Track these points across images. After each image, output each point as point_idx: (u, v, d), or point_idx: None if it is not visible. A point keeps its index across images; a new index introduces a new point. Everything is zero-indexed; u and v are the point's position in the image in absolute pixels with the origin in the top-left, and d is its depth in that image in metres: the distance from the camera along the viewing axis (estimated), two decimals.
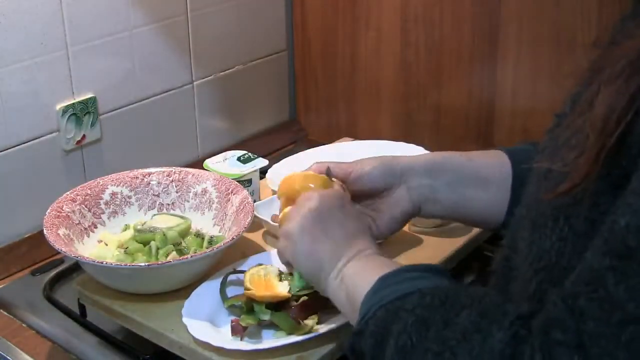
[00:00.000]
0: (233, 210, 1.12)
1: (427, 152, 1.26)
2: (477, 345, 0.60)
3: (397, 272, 0.74)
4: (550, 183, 0.68)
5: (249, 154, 1.28)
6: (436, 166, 0.95)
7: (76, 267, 1.17)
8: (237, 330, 0.92)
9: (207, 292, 0.99)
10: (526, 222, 0.71)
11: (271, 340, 0.92)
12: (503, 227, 0.88)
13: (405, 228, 1.18)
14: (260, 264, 1.01)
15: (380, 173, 0.95)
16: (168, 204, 1.19)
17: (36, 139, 1.25)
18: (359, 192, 0.95)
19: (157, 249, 1.07)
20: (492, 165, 0.95)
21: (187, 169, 1.21)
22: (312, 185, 0.92)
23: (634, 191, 0.55)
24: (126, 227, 1.15)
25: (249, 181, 1.23)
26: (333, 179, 0.96)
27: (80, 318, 1.10)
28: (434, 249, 1.13)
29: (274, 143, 1.65)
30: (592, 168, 0.61)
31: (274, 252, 1.01)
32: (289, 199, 0.93)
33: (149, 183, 1.19)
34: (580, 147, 0.63)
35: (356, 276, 0.79)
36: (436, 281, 0.73)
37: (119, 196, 1.17)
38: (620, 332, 0.52)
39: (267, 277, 0.97)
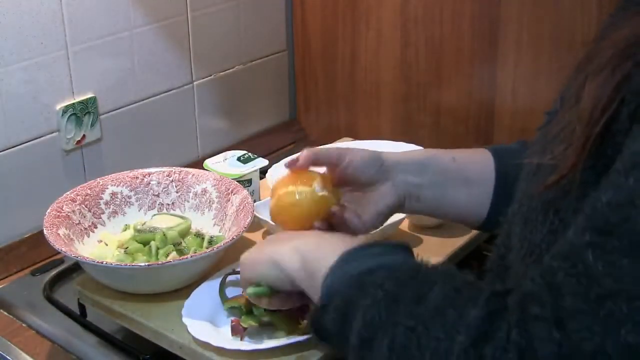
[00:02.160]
0: (233, 210, 1.12)
1: (416, 148, 1.26)
2: (451, 319, 0.59)
3: (362, 247, 0.72)
4: (540, 177, 0.68)
5: (249, 154, 1.28)
6: (422, 164, 0.95)
7: (76, 267, 1.17)
8: (237, 330, 0.92)
9: (207, 292, 0.99)
10: (518, 218, 0.71)
11: (271, 340, 0.92)
12: (491, 227, 0.88)
13: (405, 228, 1.18)
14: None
15: (369, 167, 0.94)
16: (168, 204, 1.19)
17: (36, 139, 1.25)
18: (343, 181, 0.95)
19: (157, 249, 1.07)
20: (475, 164, 0.95)
21: (187, 169, 1.21)
22: (297, 197, 0.90)
23: (617, 170, 0.55)
24: (126, 227, 1.15)
25: (249, 181, 1.23)
26: (313, 170, 0.94)
27: (80, 318, 1.10)
28: (434, 249, 1.13)
29: (274, 143, 1.65)
30: (578, 158, 0.61)
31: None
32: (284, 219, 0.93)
33: (149, 183, 1.19)
34: (568, 140, 0.64)
35: (315, 252, 0.77)
36: (402, 257, 0.72)
37: (119, 196, 1.17)
38: (598, 307, 0.52)
39: None
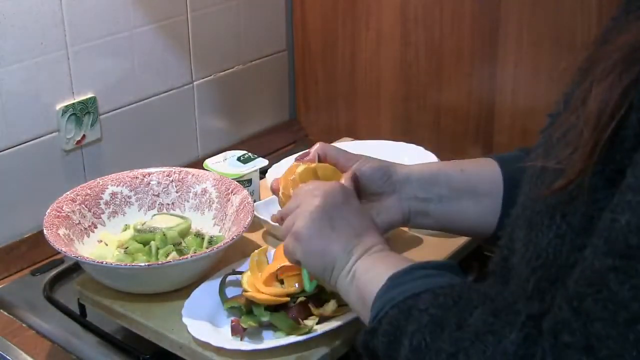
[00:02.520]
0: (233, 210, 1.12)
1: (416, 147, 1.25)
2: (490, 346, 0.60)
3: (408, 270, 0.74)
4: (545, 181, 0.68)
5: (249, 154, 1.28)
6: (430, 179, 0.95)
7: (76, 267, 1.17)
8: (237, 330, 0.92)
9: (207, 292, 0.99)
10: (522, 222, 0.71)
11: (271, 340, 0.92)
12: (498, 229, 0.88)
13: (405, 228, 1.18)
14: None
15: (377, 178, 0.94)
16: (168, 204, 1.19)
17: (36, 139, 1.25)
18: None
19: (157, 249, 1.07)
20: (483, 174, 0.95)
21: (187, 169, 1.21)
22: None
23: (631, 187, 0.56)
24: (126, 227, 1.15)
25: (249, 181, 1.23)
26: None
27: (80, 318, 1.10)
28: (434, 249, 1.13)
29: (274, 143, 1.65)
30: (586, 164, 0.61)
31: (272, 252, 1.01)
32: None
33: (149, 183, 1.19)
34: (574, 144, 0.64)
35: (367, 273, 0.78)
36: (447, 279, 0.72)
37: (119, 196, 1.17)
38: (628, 332, 0.52)
39: (263, 274, 0.97)
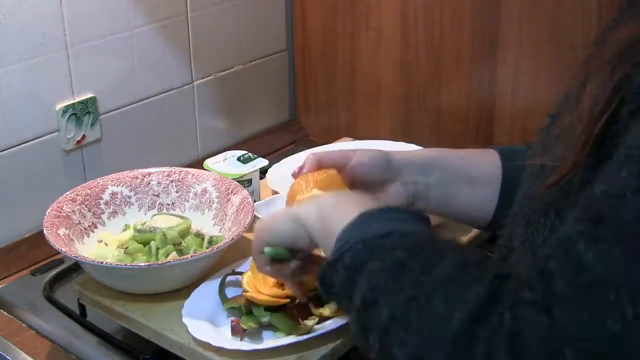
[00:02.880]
0: (233, 210, 1.12)
1: (417, 148, 1.26)
2: (452, 295, 0.59)
3: (380, 210, 0.71)
4: (543, 179, 0.68)
5: (249, 154, 1.28)
6: (429, 163, 0.95)
7: (76, 267, 1.17)
8: (237, 330, 0.92)
9: (207, 292, 0.99)
10: (520, 220, 0.71)
11: (271, 340, 0.92)
12: (497, 228, 0.88)
13: None
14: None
15: (377, 166, 0.94)
16: (168, 204, 1.19)
17: (36, 139, 1.25)
18: (351, 182, 0.94)
19: (157, 249, 1.07)
20: (482, 164, 0.96)
21: (187, 169, 1.21)
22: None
23: (613, 164, 0.56)
24: (126, 227, 1.15)
25: (249, 181, 1.23)
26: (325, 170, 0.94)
27: (80, 318, 1.10)
28: None
29: (274, 143, 1.65)
30: (578, 159, 0.62)
31: None
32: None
33: (149, 183, 1.19)
34: (568, 140, 0.64)
35: (335, 207, 0.76)
36: (419, 227, 0.71)
37: (119, 196, 1.17)
38: (587, 295, 0.52)
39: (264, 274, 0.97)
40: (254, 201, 1.14)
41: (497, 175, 0.94)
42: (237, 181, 1.18)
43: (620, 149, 0.56)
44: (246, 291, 0.95)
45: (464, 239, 1.15)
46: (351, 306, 0.66)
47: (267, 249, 0.83)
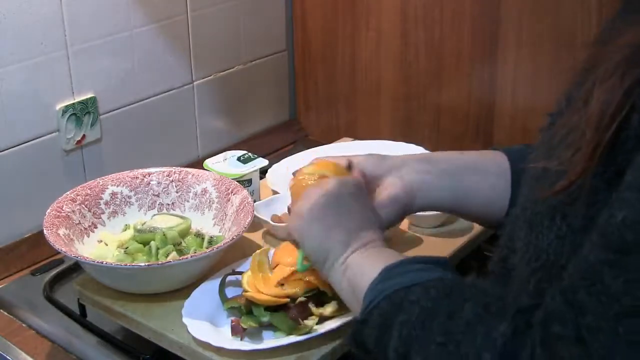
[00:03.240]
0: (233, 210, 1.12)
1: (416, 148, 1.25)
2: (480, 337, 0.60)
3: (401, 263, 0.74)
4: (546, 182, 0.68)
5: (249, 154, 1.28)
6: (430, 158, 0.95)
7: (76, 267, 1.17)
8: (237, 330, 0.92)
9: (207, 292, 0.99)
10: (522, 222, 0.71)
11: (271, 340, 0.92)
12: (498, 228, 0.87)
13: (405, 228, 1.18)
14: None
15: (372, 163, 0.94)
16: (168, 204, 1.19)
17: (36, 139, 1.25)
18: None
19: (157, 249, 1.07)
20: (488, 159, 0.95)
21: (187, 169, 1.21)
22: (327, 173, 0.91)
23: (630, 185, 0.56)
24: (126, 227, 1.15)
25: (249, 181, 1.23)
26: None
27: (80, 318, 1.10)
28: (434, 249, 1.13)
29: (274, 143, 1.65)
30: (588, 165, 0.62)
31: (272, 252, 1.01)
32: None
33: (149, 183, 1.19)
34: (576, 145, 0.64)
35: (361, 266, 0.79)
36: (440, 273, 0.73)
37: (119, 196, 1.17)
38: (618, 325, 0.52)
39: (264, 274, 0.97)
40: (254, 201, 1.14)
41: (506, 169, 0.92)
42: (237, 181, 1.18)
43: (634, 168, 0.56)
44: (246, 291, 0.95)
45: (464, 239, 1.15)
46: None
47: (300, 266, 0.89)
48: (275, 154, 1.58)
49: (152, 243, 1.08)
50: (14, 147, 1.23)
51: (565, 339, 0.55)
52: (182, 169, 1.21)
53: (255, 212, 1.09)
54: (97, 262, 1.00)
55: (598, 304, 0.54)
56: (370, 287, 0.74)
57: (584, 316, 0.54)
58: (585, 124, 0.63)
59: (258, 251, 1.00)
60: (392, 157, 0.95)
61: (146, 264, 1.00)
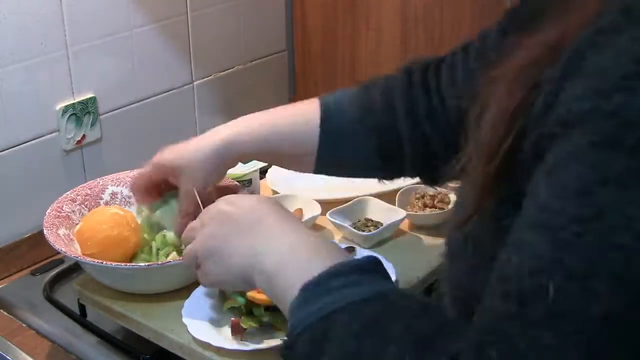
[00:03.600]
0: None
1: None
2: None
3: (320, 281, 0.65)
4: (460, 209, 0.66)
5: None
6: (255, 151, 0.99)
7: (76, 267, 1.17)
8: (237, 330, 0.92)
9: (207, 292, 0.99)
10: (446, 252, 0.69)
11: (271, 340, 0.92)
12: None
13: (406, 228, 1.18)
14: None
15: (209, 175, 0.98)
16: None
17: (36, 139, 1.25)
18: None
19: (157, 249, 1.07)
20: (299, 134, 0.97)
21: None
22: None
23: (520, 223, 0.52)
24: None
25: (249, 181, 1.23)
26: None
27: (80, 318, 1.10)
28: (434, 249, 1.12)
29: None
30: (480, 200, 0.58)
31: None
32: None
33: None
34: (471, 177, 0.60)
35: (279, 277, 0.70)
36: (367, 288, 0.64)
37: (119, 196, 1.17)
38: None
39: None
40: None
41: (314, 144, 0.96)
42: (237, 181, 1.18)
43: (528, 201, 0.52)
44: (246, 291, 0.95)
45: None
46: None
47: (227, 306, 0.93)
48: None
49: (153, 243, 1.08)
50: (14, 147, 1.23)
51: None
52: None
53: None
54: (97, 262, 1.00)
55: None
56: (291, 308, 0.65)
57: None
58: (475, 155, 0.59)
59: None
60: (225, 161, 1.01)
61: (146, 264, 1.00)
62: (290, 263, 0.70)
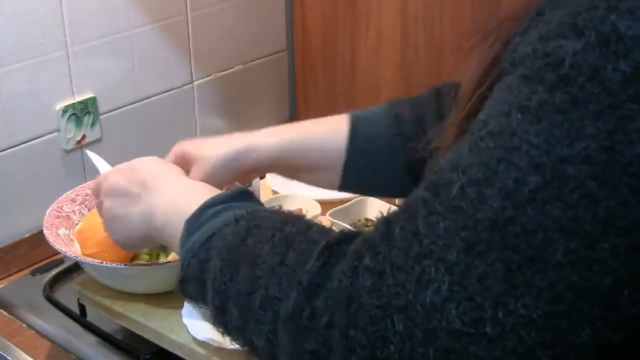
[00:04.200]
0: None
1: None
2: (285, 279, 0.60)
3: (200, 212, 0.72)
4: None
5: None
6: (276, 159, 0.95)
7: (76, 267, 1.17)
8: None
9: None
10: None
11: None
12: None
13: None
14: None
15: (224, 172, 0.94)
16: None
17: (36, 139, 1.25)
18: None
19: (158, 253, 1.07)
20: (327, 146, 0.95)
21: None
22: None
23: (469, 133, 0.56)
24: None
25: (249, 181, 1.23)
26: None
27: (80, 318, 1.10)
28: None
29: None
30: (452, 135, 0.63)
31: None
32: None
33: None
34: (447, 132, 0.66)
35: (167, 228, 0.78)
36: (236, 210, 0.71)
37: None
38: (414, 266, 0.52)
39: None
40: None
41: (340, 156, 0.94)
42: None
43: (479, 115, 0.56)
44: None
45: None
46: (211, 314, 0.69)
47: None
48: None
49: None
50: (14, 147, 1.23)
51: (371, 271, 0.55)
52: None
53: None
54: (97, 262, 1.00)
55: (405, 241, 0.54)
56: (180, 244, 0.73)
57: (392, 250, 0.54)
58: (456, 102, 0.65)
59: None
60: (243, 162, 0.96)
61: (146, 264, 1.00)
62: (173, 213, 0.77)
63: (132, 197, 0.84)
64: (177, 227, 0.73)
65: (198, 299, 0.72)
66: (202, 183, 0.83)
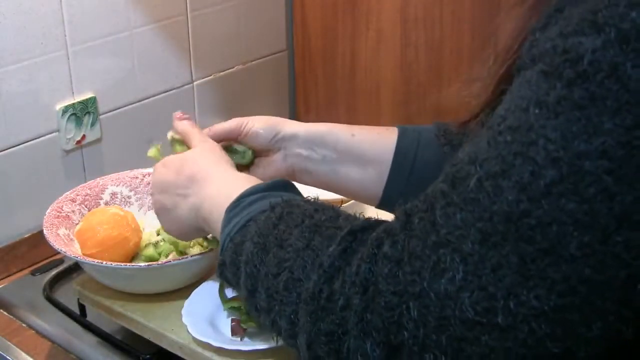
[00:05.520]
0: None
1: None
2: (309, 262, 0.62)
3: (239, 200, 0.76)
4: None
5: None
6: (318, 139, 0.98)
7: (76, 267, 1.17)
8: (237, 331, 0.92)
9: (207, 292, 0.99)
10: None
11: (271, 340, 0.92)
12: (392, 206, 0.90)
13: None
14: None
15: (264, 136, 0.98)
16: None
17: (36, 139, 1.25)
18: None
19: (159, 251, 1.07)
20: (374, 143, 0.97)
21: None
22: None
23: (489, 124, 0.57)
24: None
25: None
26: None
27: (80, 318, 1.10)
28: None
29: None
30: (489, 96, 0.64)
31: None
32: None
33: (149, 183, 1.19)
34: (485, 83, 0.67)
35: (213, 218, 0.82)
36: (273, 199, 0.74)
37: (119, 196, 1.17)
38: (431, 254, 0.54)
39: None
40: None
41: (389, 154, 0.95)
42: None
43: (500, 106, 0.57)
44: None
45: None
46: (244, 297, 0.72)
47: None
48: None
49: (155, 239, 1.08)
50: (14, 147, 1.23)
51: (389, 259, 0.56)
52: None
53: None
54: (97, 262, 1.00)
55: (423, 231, 0.55)
56: (220, 231, 0.77)
57: (411, 240, 0.55)
58: (492, 61, 0.66)
59: None
60: (284, 131, 0.99)
61: (146, 264, 1.00)
62: (218, 204, 0.80)
63: (180, 190, 0.88)
64: (221, 215, 0.77)
65: (233, 282, 0.75)
66: (245, 175, 0.86)
